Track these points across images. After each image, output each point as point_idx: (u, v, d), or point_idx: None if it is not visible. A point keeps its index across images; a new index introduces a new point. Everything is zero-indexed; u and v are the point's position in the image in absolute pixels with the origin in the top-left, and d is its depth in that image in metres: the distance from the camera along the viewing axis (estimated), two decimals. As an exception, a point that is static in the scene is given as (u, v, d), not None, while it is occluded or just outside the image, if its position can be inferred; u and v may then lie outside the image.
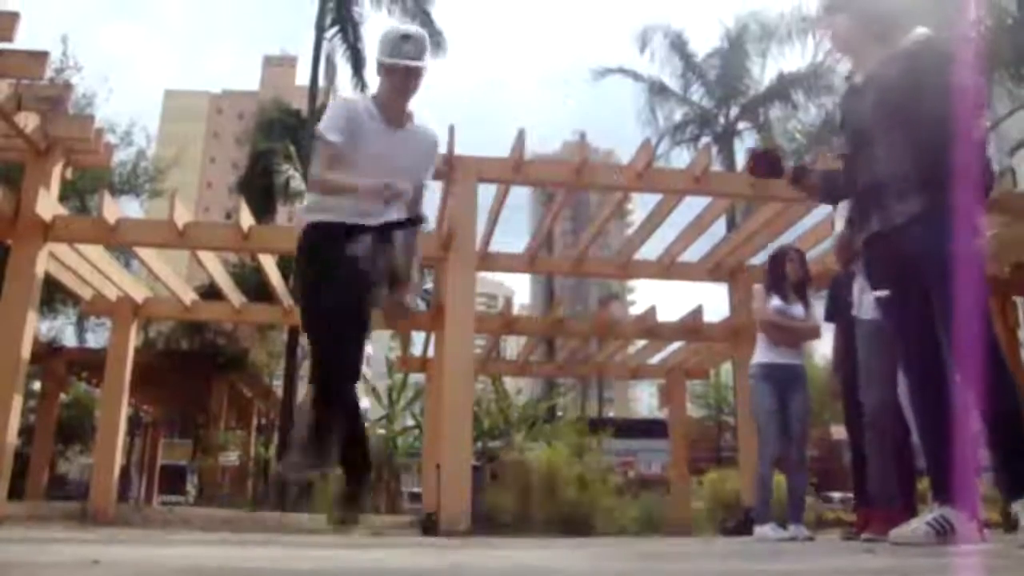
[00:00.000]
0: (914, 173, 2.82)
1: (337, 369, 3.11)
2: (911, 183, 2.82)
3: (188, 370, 16.83)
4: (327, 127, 3.18)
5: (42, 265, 6.48)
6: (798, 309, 5.45)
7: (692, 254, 8.76)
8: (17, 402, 6.09)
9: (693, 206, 7.90)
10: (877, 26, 3.05)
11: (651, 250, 8.69)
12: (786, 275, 5.52)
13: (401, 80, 3.22)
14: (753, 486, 5.70)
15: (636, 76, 22.85)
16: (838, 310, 5.06)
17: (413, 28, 3.33)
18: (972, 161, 2.77)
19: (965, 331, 2.64)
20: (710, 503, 10.73)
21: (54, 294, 13.93)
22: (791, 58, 43.63)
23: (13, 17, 5.14)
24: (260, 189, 18.66)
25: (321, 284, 3.16)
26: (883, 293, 2.90)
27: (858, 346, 4.45)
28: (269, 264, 8.61)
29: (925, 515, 2.76)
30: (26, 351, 6.19)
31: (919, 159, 2.81)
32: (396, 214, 3.22)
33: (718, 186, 7.46)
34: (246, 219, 7.10)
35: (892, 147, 2.89)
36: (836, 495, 19.71)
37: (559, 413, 21.49)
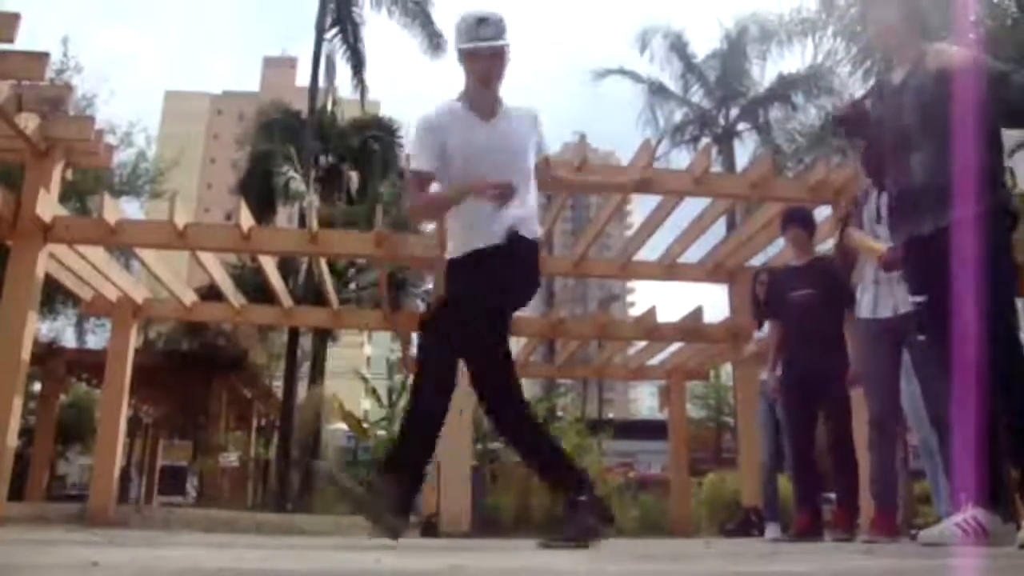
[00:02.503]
0: (952, 179, 2.83)
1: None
2: (949, 189, 2.83)
3: (188, 371, 16.83)
4: (414, 155, 3.09)
5: (42, 266, 6.47)
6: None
7: (692, 255, 8.76)
8: (17, 403, 6.08)
9: (693, 207, 7.91)
10: (919, 19, 3.08)
11: (651, 251, 8.70)
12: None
13: (485, 66, 3.04)
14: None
15: (636, 77, 22.89)
16: (776, 307, 5.10)
17: (488, 10, 3.09)
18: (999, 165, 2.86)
19: (995, 334, 2.71)
20: (710, 504, 10.73)
21: (54, 295, 13.92)
22: (791, 60, 43.66)
23: (13, 18, 5.14)
24: (260, 190, 18.68)
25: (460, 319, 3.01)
26: (920, 299, 2.94)
27: (859, 348, 4.45)
28: (269, 265, 8.61)
29: (956, 516, 2.76)
30: (26, 352, 6.19)
31: (961, 164, 2.83)
32: (521, 217, 3.06)
33: (718, 187, 7.47)
34: (246, 220, 7.10)
35: (931, 152, 2.90)
36: (833, 496, 19.70)
37: (559, 414, 21.45)
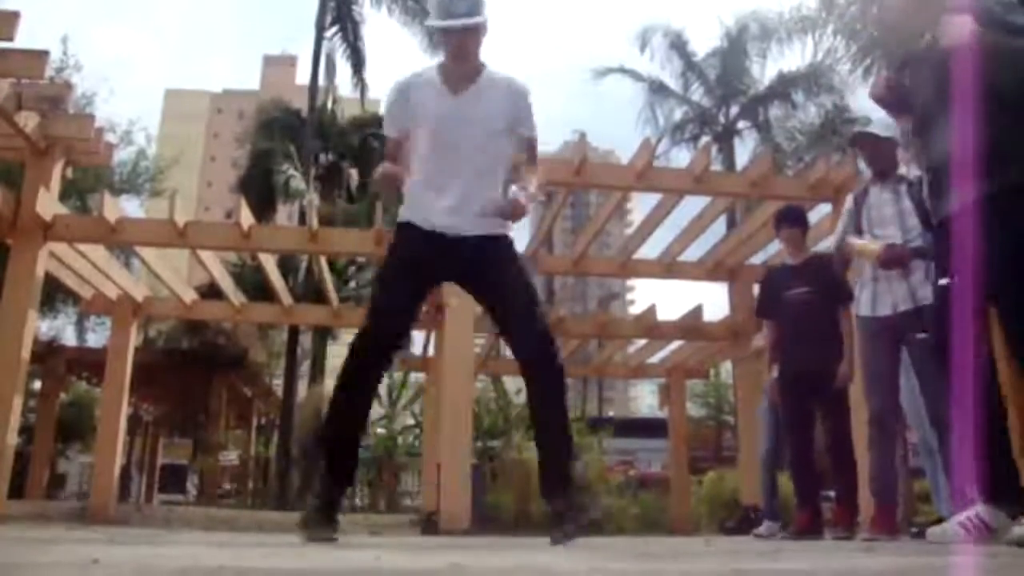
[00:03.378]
0: (971, 156, 2.72)
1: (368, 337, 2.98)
2: (969, 167, 2.73)
3: (188, 369, 16.84)
4: (385, 121, 3.15)
5: (42, 264, 6.48)
6: None
7: (692, 253, 8.77)
8: (17, 401, 6.09)
9: (693, 205, 7.91)
10: None
11: (651, 249, 8.70)
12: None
13: (456, 41, 2.97)
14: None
15: (636, 76, 22.87)
16: (771, 305, 5.10)
17: None
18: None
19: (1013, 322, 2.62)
20: (710, 502, 10.74)
21: (54, 293, 13.92)
22: (791, 58, 43.64)
23: (13, 16, 5.15)
24: (260, 188, 18.69)
25: (378, 282, 3.17)
26: (944, 281, 2.84)
27: (859, 345, 4.45)
28: (269, 263, 8.62)
29: (959, 514, 2.74)
30: (26, 350, 6.20)
31: (988, 136, 2.69)
32: (482, 224, 3.00)
33: (718, 185, 7.47)
34: (246, 218, 7.10)
35: (947, 129, 2.80)
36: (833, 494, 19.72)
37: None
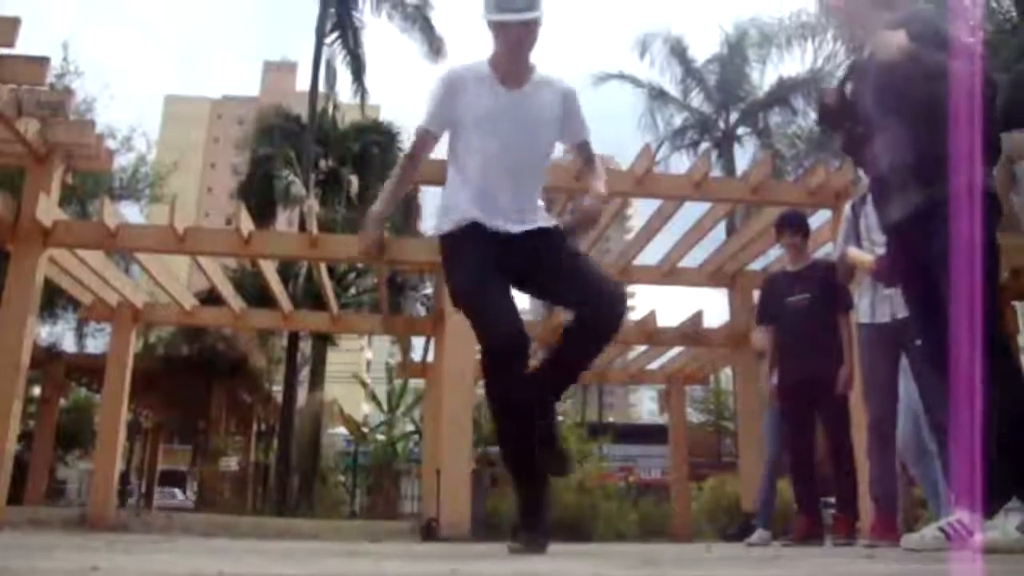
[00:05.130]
0: (912, 164, 2.75)
1: (494, 329, 2.77)
2: (910, 175, 2.76)
3: (188, 375, 16.82)
4: (426, 110, 2.96)
5: (42, 270, 6.47)
6: None
7: (692, 259, 8.77)
8: (17, 407, 6.08)
9: (693, 211, 7.91)
10: None
11: (651, 255, 8.69)
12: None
13: (514, 38, 2.82)
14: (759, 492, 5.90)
15: (636, 82, 22.89)
16: (771, 312, 5.10)
17: None
18: (973, 146, 2.62)
19: (962, 331, 2.59)
20: (711, 509, 10.72)
21: (54, 299, 13.91)
22: (791, 64, 43.67)
23: (14, 23, 5.15)
24: (260, 194, 18.71)
25: (456, 273, 2.92)
26: (891, 291, 2.89)
27: (858, 352, 4.45)
28: (269, 269, 8.61)
29: (941, 520, 2.73)
30: (26, 356, 6.19)
31: (917, 148, 2.74)
32: (531, 220, 2.91)
33: (718, 191, 7.48)
34: (246, 224, 7.10)
35: (892, 135, 2.82)
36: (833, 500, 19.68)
37: (559, 418, 21.48)
